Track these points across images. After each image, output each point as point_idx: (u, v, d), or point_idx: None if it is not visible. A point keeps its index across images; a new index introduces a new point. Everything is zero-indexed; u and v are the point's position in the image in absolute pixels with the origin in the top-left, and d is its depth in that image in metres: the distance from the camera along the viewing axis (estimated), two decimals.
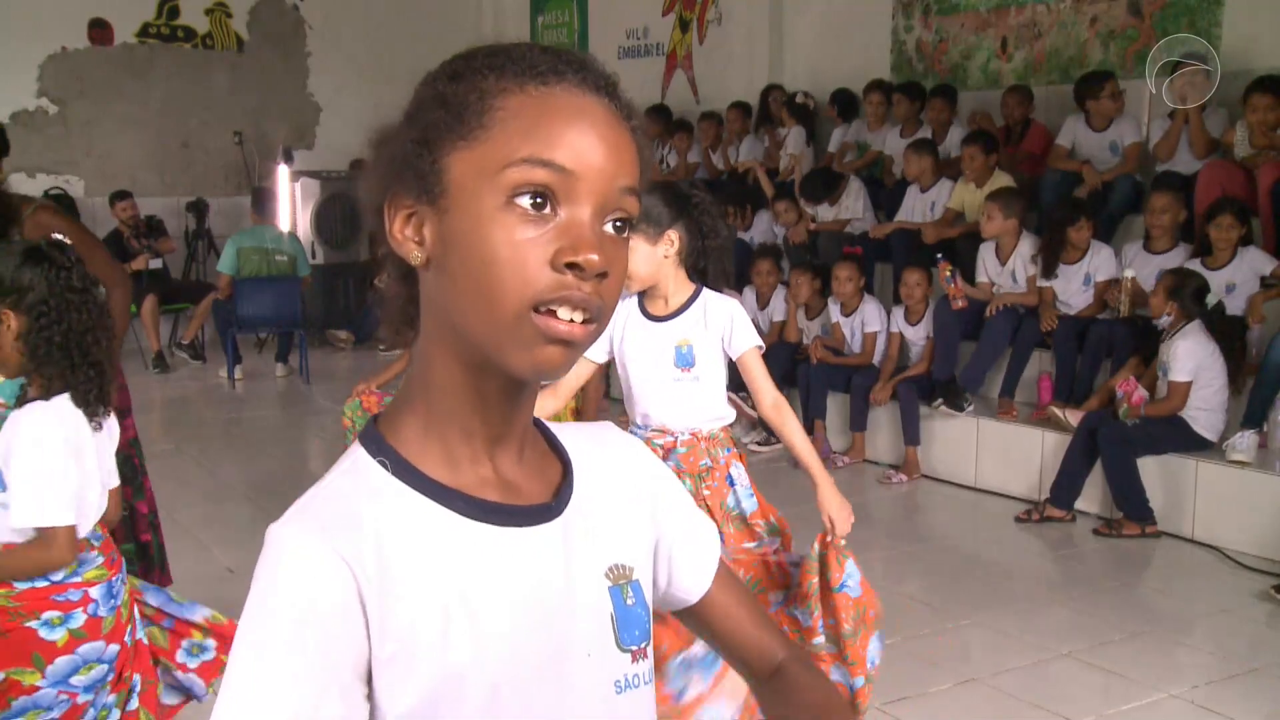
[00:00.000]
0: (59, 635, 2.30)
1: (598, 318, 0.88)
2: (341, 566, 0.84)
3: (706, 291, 2.92)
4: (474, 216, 0.86)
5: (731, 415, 2.96)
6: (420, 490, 0.91)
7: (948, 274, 6.27)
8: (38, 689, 2.28)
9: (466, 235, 0.86)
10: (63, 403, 2.31)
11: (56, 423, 2.29)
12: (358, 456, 0.93)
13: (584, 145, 0.86)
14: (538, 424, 1.02)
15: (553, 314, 0.85)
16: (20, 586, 2.27)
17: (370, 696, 0.86)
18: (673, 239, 2.84)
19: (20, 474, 2.23)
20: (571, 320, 0.86)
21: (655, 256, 2.82)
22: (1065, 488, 5.44)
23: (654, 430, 2.91)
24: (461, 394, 0.92)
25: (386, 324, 0.99)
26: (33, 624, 2.28)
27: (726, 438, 2.95)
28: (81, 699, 2.32)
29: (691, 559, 1.10)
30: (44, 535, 2.25)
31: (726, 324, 2.87)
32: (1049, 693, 3.66)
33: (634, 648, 0.99)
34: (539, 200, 0.85)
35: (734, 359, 2.89)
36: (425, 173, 0.88)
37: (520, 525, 0.93)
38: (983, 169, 6.70)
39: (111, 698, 2.37)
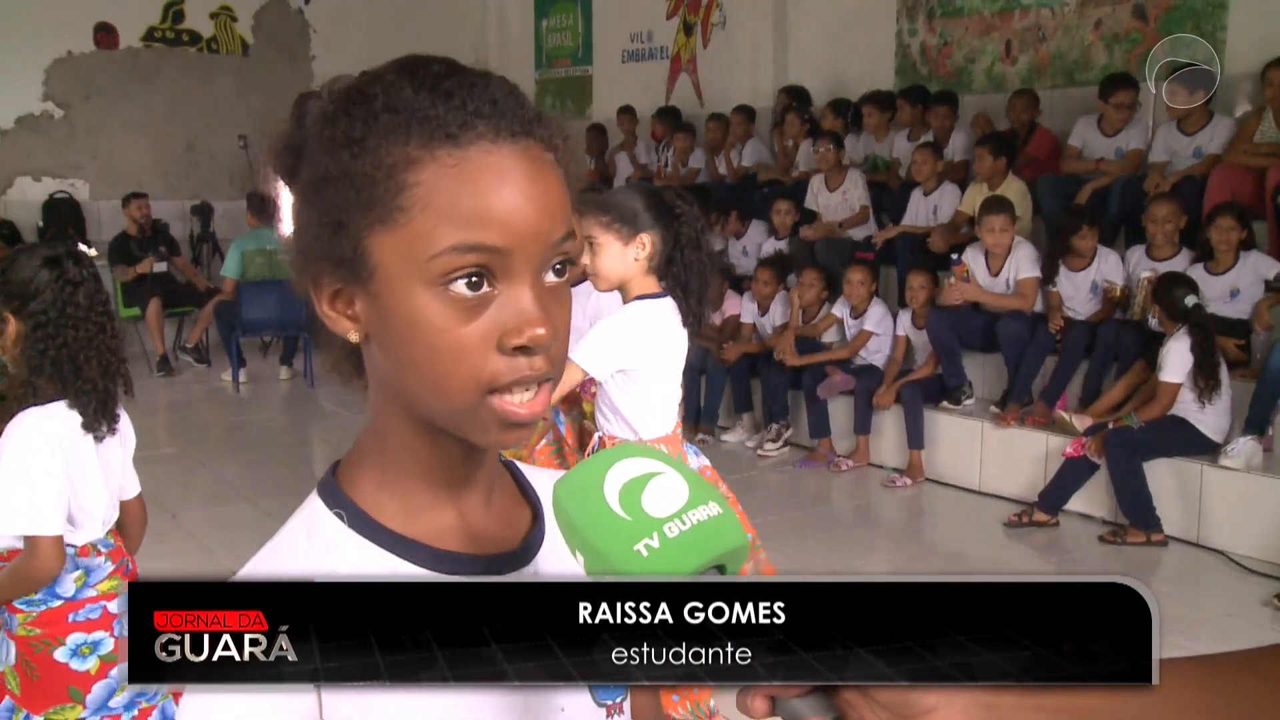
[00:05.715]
0: (91, 664, 2.26)
1: (553, 376, 0.84)
2: None
3: (638, 303, 2.84)
4: (408, 304, 0.80)
5: (628, 432, 2.87)
6: (378, 543, 0.87)
7: (964, 276, 6.25)
8: None
9: (404, 322, 0.81)
10: (58, 408, 2.25)
11: (47, 428, 2.22)
12: (314, 508, 0.89)
13: (512, 215, 0.79)
14: (510, 466, 0.98)
15: (508, 393, 0.81)
16: (35, 610, 2.22)
17: None
18: (645, 243, 2.80)
19: (3, 481, 2.16)
20: (525, 396, 0.82)
21: (625, 257, 2.78)
22: (1056, 493, 5.42)
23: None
24: (419, 449, 0.88)
25: (335, 373, 0.94)
26: (61, 656, 2.23)
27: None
28: (125, 718, 2.30)
29: None
30: (28, 544, 2.18)
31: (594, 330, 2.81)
32: None
33: (609, 702, 0.93)
34: (475, 280, 0.79)
35: None
36: (346, 257, 0.82)
37: (482, 576, 0.88)
38: (995, 171, 6.67)
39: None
